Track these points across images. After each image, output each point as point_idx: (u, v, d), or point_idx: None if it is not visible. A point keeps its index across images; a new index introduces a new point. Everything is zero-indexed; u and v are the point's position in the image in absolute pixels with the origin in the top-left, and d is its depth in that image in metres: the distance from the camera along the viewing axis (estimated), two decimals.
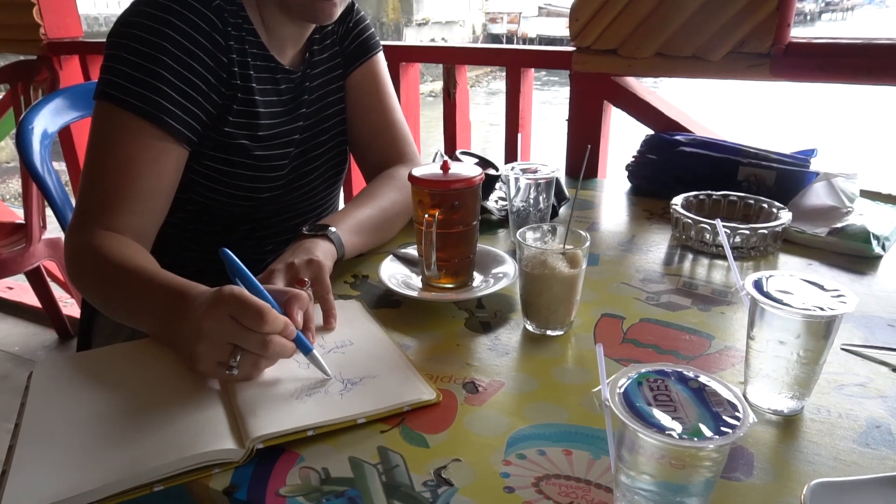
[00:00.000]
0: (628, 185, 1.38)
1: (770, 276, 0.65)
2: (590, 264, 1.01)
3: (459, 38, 31.26)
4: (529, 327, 0.81)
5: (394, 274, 0.94)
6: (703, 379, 0.48)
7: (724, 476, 0.57)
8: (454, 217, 0.86)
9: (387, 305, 0.90)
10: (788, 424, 0.64)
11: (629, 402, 0.45)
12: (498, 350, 0.78)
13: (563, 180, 1.44)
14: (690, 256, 1.05)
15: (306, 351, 0.70)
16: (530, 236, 0.82)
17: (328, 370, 0.70)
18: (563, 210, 1.24)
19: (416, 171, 0.87)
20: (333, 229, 0.92)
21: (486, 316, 0.86)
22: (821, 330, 0.60)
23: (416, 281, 0.93)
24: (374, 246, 1.04)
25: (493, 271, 0.94)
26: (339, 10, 0.95)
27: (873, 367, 0.73)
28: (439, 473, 0.58)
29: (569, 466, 0.58)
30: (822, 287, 0.63)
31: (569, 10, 1.37)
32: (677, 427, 0.43)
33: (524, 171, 1.05)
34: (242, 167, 0.99)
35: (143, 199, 0.88)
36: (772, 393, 0.64)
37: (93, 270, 0.83)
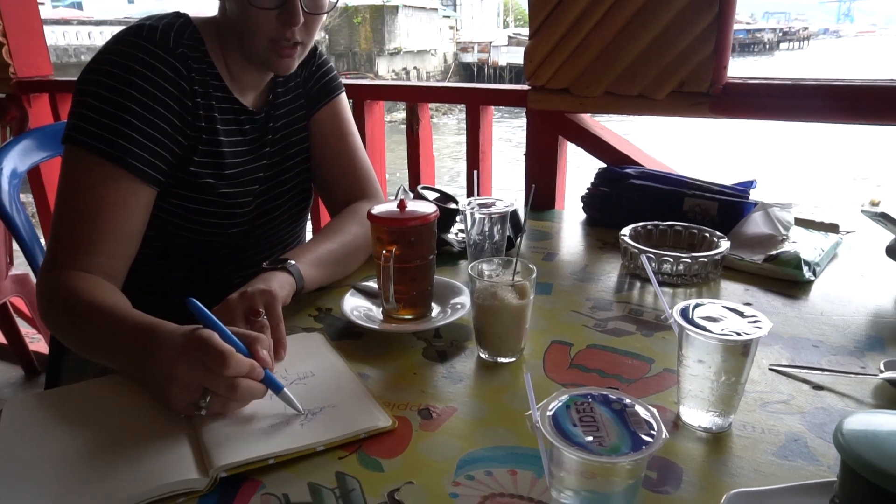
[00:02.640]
0: (584, 215, 1.45)
1: (697, 303, 0.71)
2: (542, 293, 1.06)
3: (431, 66, 31.74)
4: (483, 355, 0.86)
5: (356, 307, 0.98)
6: (626, 401, 0.53)
7: (655, 490, 0.62)
8: (411, 252, 0.91)
9: (349, 337, 0.94)
10: (716, 440, 0.70)
11: (557, 424, 0.50)
12: (453, 378, 0.83)
13: (521, 212, 1.51)
14: (638, 284, 1.11)
15: (277, 390, 0.73)
16: (483, 269, 0.87)
17: (300, 406, 0.73)
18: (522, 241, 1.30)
19: (375, 210, 0.92)
20: (293, 262, 0.96)
21: (443, 345, 0.91)
22: (738, 352, 0.66)
23: (377, 313, 0.97)
24: (335, 279, 1.08)
25: (452, 302, 0.99)
26: (297, 62, 1.01)
27: (797, 385, 0.80)
28: (393, 496, 0.62)
29: (513, 485, 0.62)
30: (741, 313, 0.69)
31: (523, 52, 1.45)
32: (597, 444, 0.48)
33: (482, 205, 1.11)
34: (208, 205, 1.04)
35: (113, 240, 0.91)
36: (700, 412, 0.70)
37: (64, 310, 0.86)
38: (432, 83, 1.86)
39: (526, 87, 1.49)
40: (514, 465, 0.65)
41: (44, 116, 2.20)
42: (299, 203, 1.20)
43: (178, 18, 0.99)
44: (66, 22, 20.12)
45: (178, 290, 1.01)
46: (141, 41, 0.93)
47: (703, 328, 0.66)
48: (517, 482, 0.63)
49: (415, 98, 1.67)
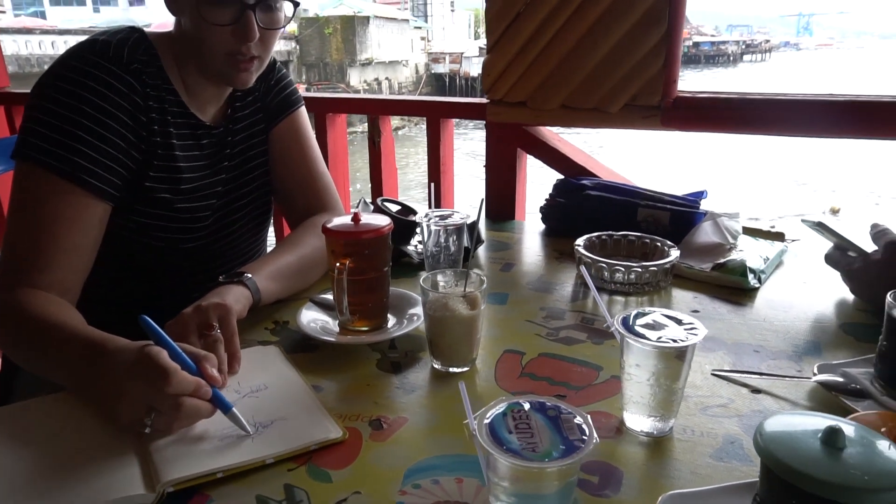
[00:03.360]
0: (543, 226, 1.48)
1: (639, 312, 0.74)
2: (498, 303, 1.08)
3: (403, 77, 31.83)
4: (435, 365, 0.88)
5: (313, 319, 0.99)
6: (561, 408, 0.55)
7: (595, 493, 0.64)
8: (366, 264, 0.92)
9: (305, 350, 0.94)
10: (658, 444, 0.72)
11: (493, 431, 0.52)
12: (405, 388, 0.84)
13: (483, 224, 1.53)
14: (592, 293, 1.14)
15: (226, 410, 0.73)
16: (438, 280, 0.89)
17: (248, 427, 0.73)
18: (482, 251, 1.32)
19: (330, 223, 0.93)
20: (249, 276, 0.97)
21: (398, 356, 0.92)
22: (674, 359, 0.68)
23: (334, 325, 0.98)
24: (294, 291, 1.08)
25: (409, 313, 1.01)
26: (255, 76, 1.02)
27: (736, 389, 0.83)
28: None
29: (458, 493, 0.64)
30: (680, 321, 0.72)
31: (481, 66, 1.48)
32: (530, 450, 0.49)
33: (442, 217, 1.13)
34: (166, 220, 1.04)
35: (67, 257, 0.91)
36: (642, 417, 0.72)
37: (16, 328, 0.85)
38: (393, 96, 1.88)
39: (485, 100, 1.51)
40: (461, 472, 0.67)
41: (0, 128, 2.16)
42: (259, 216, 1.21)
43: (133, 34, 0.99)
44: (29, 31, 19.70)
45: (140, 304, 1.00)
46: (93, 56, 0.93)
47: (642, 336, 0.69)
48: (462, 490, 0.64)
49: (376, 111, 1.69)
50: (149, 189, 1.00)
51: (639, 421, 0.73)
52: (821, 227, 1.07)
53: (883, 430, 0.68)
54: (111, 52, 0.95)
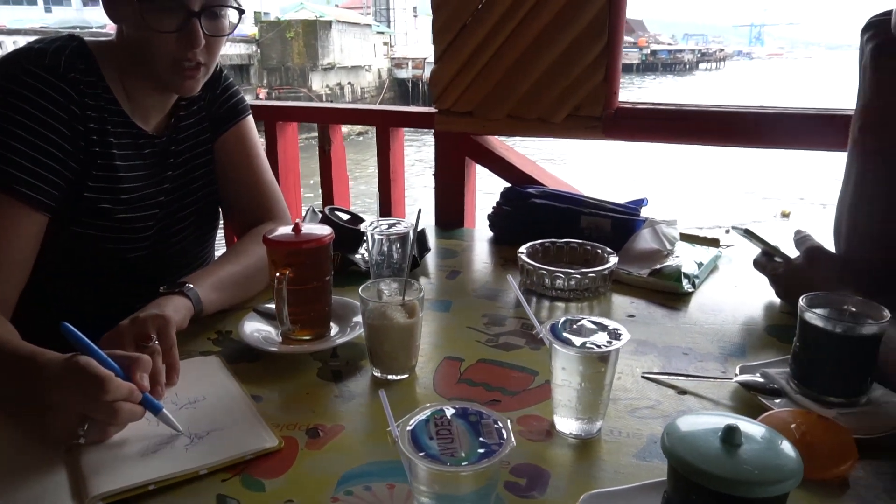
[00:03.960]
0: (490, 233, 1.50)
1: (567, 319, 0.77)
2: (441, 310, 1.10)
3: (366, 82, 31.72)
4: (375, 373, 0.89)
5: (256, 329, 0.99)
6: (483, 414, 0.57)
7: (522, 495, 0.66)
8: (307, 274, 0.93)
9: (247, 360, 0.94)
10: (585, 446, 0.75)
11: (415, 438, 0.53)
12: (344, 396, 0.85)
13: (432, 231, 1.55)
14: (534, 300, 1.17)
15: (156, 411, 0.74)
16: (380, 289, 0.90)
17: (179, 426, 0.74)
18: (430, 258, 1.34)
19: (271, 233, 0.94)
20: (190, 286, 0.96)
21: (339, 365, 0.93)
22: (597, 363, 0.71)
23: (277, 335, 0.98)
24: (238, 301, 1.08)
25: (352, 321, 1.02)
26: (200, 83, 1.02)
27: (664, 390, 0.86)
28: None
29: (389, 498, 0.65)
30: (605, 327, 0.75)
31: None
32: (449, 455, 0.51)
33: (390, 226, 1.15)
34: (107, 230, 1.02)
35: (1, 270, 0.89)
36: (570, 419, 0.75)
37: None
38: (342, 105, 1.89)
39: (433, 109, 1.54)
40: (393, 478, 0.68)
41: None
42: (204, 225, 1.20)
43: (71, 42, 0.98)
44: None
45: (86, 313, 0.99)
46: (28, 65, 0.92)
47: (568, 342, 0.72)
48: (394, 495, 0.66)
49: (326, 119, 1.69)
50: (89, 199, 0.99)
51: (567, 424, 0.76)
52: (748, 234, 1.13)
53: (793, 426, 0.73)
54: (47, 60, 0.94)
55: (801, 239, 1.08)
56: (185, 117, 1.13)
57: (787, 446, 0.51)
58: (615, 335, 0.73)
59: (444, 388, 0.87)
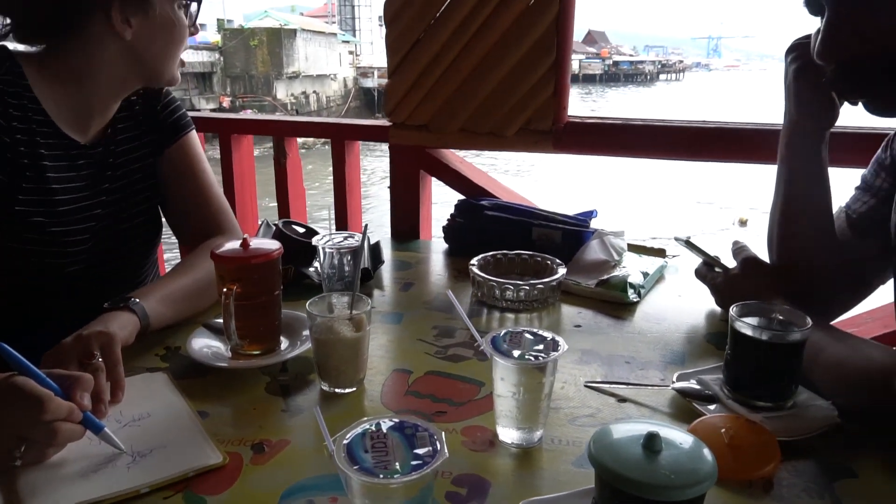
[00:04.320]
0: (446, 245, 1.52)
1: (508, 331, 0.79)
2: (392, 322, 1.12)
3: (332, 91, 31.59)
4: (323, 387, 0.90)
5: (206, 345, 0.99)
6: (418, 427, 0.58)
7: None
8: (255, 289, 0.93)
9: (196, 375, 0.94)
10: (527, 455, 0.77)
11: (350, 451, 0.55)
12: (291, 410, 0.85)
13: (388, 244, 1.57)
14: (485, 311, 1.19)
15: (97, 430, 0.73)
16: (331, 303, 0.91)
17: (121, 445, 0.74)
18: (385, 270, 1.35)
19: (219, 248, 0.94)
20: (137, 300, 0.96)
21: (288, 379, 0.93)
22: (535, 374, 0.73)
23: (226, 350, 0.98)
24: (188, 315, 1.08)
25: (303, 334, 1.02)
26: None
27: (605, 399, 0.89)
28: None
29: None
30: (544, 338, 0.77)
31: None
32: (382, 467, 0.53)
33: (344, 239, 1.15)
34: (40, 244, 1.01)
35: None
36: (511, 429, 0.77)
37: None
38: (297, 118, 1.89)
39: (387, 123, 1.55)
40: (335, 492, 0.69)
41: None
42: (147, 240, 1.19)
43: None
44: None
45: (24, 332, 0.98)
46: None
47: (507, 353, 0.74)
48: None
49: (281, 132, 1.70)
50: (20, 213, 0.98)
51: (509, 433, 0.78)
52: (689, 245, 1.17)
53: (722, 430, 0.76)
54: None
55: (737, 249, 1.13)
56: (123, 130, 1.12)
57: (703, 450, 0.54)
58: (554, 346, 0.76)
59: (392, 401, 0.88)
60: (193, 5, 1.06)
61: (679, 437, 0.55)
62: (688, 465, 0.52)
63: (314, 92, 29.42)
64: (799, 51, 0.95)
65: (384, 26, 1.51)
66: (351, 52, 34.62)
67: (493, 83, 1.42)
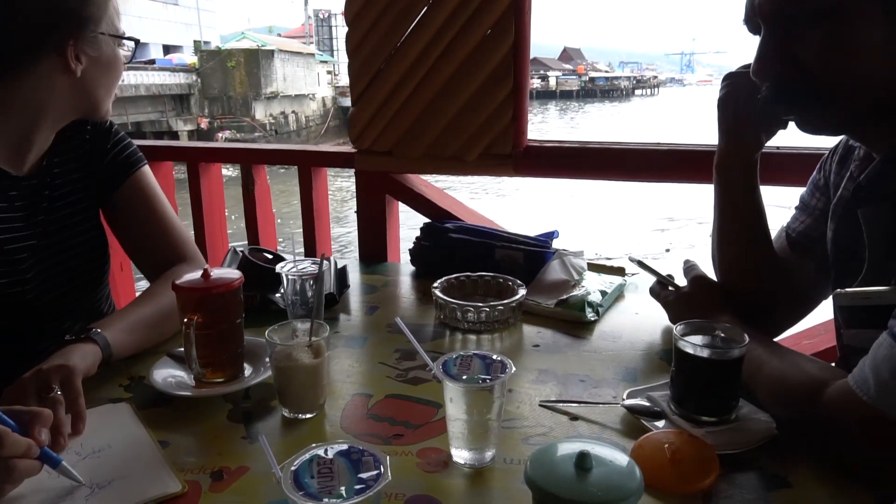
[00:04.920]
0: (412, 267, 1.55)
1: (458, 355, 0.82)
2: (355, 346, 1.14)
3: (310, 111, 31.65)
4: (284, 412, 0.92)
5: (170, 374, 1.00)
6: (362, 452, 0.61)
7: None
8: (216, 318, 0.95)
9: (160, 404, 0.95)
10: (479, 474, 0.80)
11: (297, 478, 0.57)
12: (252, 437, 0.87)
13: (356, 266, 1.59)
14: (448, 332, 1.22)
15: (54, 465, 0.74)
16: (295, 328, 0.93)
17: (80, 478, 0.75)
18: (353, 294, 1.38)
19: (180, 279, 0.96)
20: (98, 330, 0.97)
21: (250, 406, 0.95)
22: (483, 396, 0.76)
23: (190, 378, 1.00)
24: (152, 343, 1.10)
25: (266, 360, 1.04)
26: None
27: (558, 417, 0.92)
28: None
29: None
30: (493, 360, 0.80)
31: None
32: (326, 493, 0.55)
33: (311, 264, 1.18)
34: None
35: None
36: (463, 450, 0.80)
37: None
38: (263, 145, 1.92)
39: (352, 149, 1.59)
40: None
41: None
42: (93, 271, 1.20)
43: None
44: None
45: None
46: None
47: (456, 376, 0.77)
48: None
49: (248, 160, 1.73)
50: None
51: (461, 454, 0.80)
52: (640, 265, 1.21)
53: (665, 445, 0.79)
54: None
55: (688, 268, 1.17)
56: (62, 162, 1.14)
57: (631, 467, 0.57)
58: (502, 368, 0.79)
59: (351, 425, 0.90)
60: (131, 43, 1.12)
61: (610, 454, 0.58)
62: (616, 481, 0.55)
63: (293, 112, 29.44)
64: (729, 80, 1.00)
65: (347, 57, 1.54)
66: (329, 72, 34.73)
67: (453, 110, 1.47)
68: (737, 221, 1.04)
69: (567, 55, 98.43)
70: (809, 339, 1.44)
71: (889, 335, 0.72)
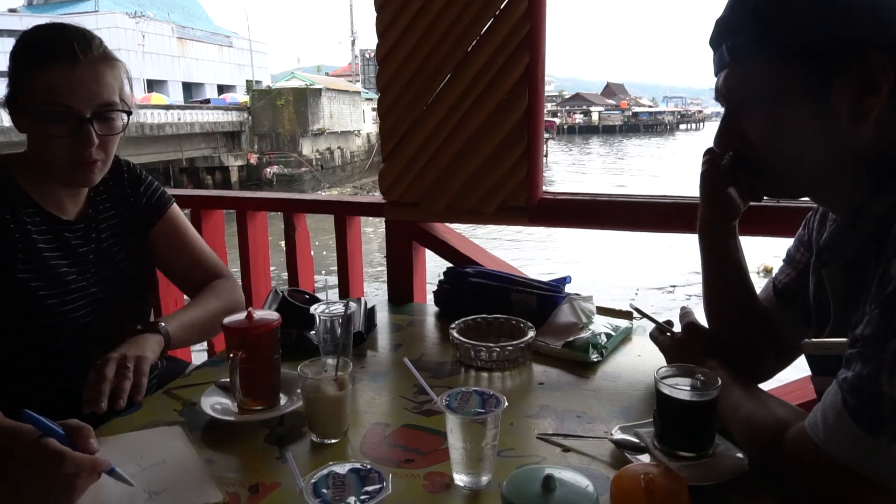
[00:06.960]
0: (436, 308, 1.69)
1: (459, 390, 0.94)
2: (378, 381, 1.28)
3: (355, 146, 32.52)
4: (313, 437, 1.06)
5: (217, 402, 1.16)
6: (372, 469, 0.74)
7: None
8: (256, 354, 1.11)
9: (207, 428, 1.11)
10: (477, 496, 0.91)
11: (315, 489, 0.71)
12: (284, 457, 1.01)
13: (385, 307, 1.74)
14: (463, 370, 1.34)
15: (109, 471, 0.90)
16: (326, 363, 1.07)
17: (131, 480, 0.90)
18: (380, 332, 1.52)
19: (227, 320, 1.12)
20: (163, 324, 1.20)
21: (284, 430, 1.10)
22: (478, 427, 0.89)
23: (233, 406, 1.15)
24: (199, 342, 1.39)
25: (299, 391, 1.18)
26: (99, 175, 1.23)
27: (552, 448, 1.03)
28: None
29: None
30: (489, 395, 0.93)
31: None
32: (338, 500, 0.69)
33: (342, 306, 1.33)
34: (37, 310, 1.19)
35: None
36: (462, 474, 0.92)
37: None
38: (303, 196, 2.11)
39: (383, 200, 1.75)
40: None
41: None
42: (136, 298, 1.39)
43: None
44: None
45: (37, 391, 1.19)
46: None
47: (455, 410, 0.89)
48: None
49: (289, 209, 1.91)
50: (19, 290, 1.16)
51: (461, 477, 0.92)
52: (639, 312, 1.32)
53: (641, 476, 0.89)
54: None
55: (683, 315, 1.27)
56: (103, 209, 1.33)
57: (590, 488, 0.69)
58: (496, 403, 0.91)
59: (369, 450, 1.03)
60: None
61: (573, 477, 0.70)
62: (573, 499, 0.67)
63: (339, 147, 30.30)
64: (708, 155, 1.12)
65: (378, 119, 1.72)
66: (374, 109, 35.66)
67: (473, 167, 1.62)
68: (719, 279, 1.15)
69: (610, 90, 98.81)
70: (806, 388, 1.51)
71: (836, 383, 0.81)
